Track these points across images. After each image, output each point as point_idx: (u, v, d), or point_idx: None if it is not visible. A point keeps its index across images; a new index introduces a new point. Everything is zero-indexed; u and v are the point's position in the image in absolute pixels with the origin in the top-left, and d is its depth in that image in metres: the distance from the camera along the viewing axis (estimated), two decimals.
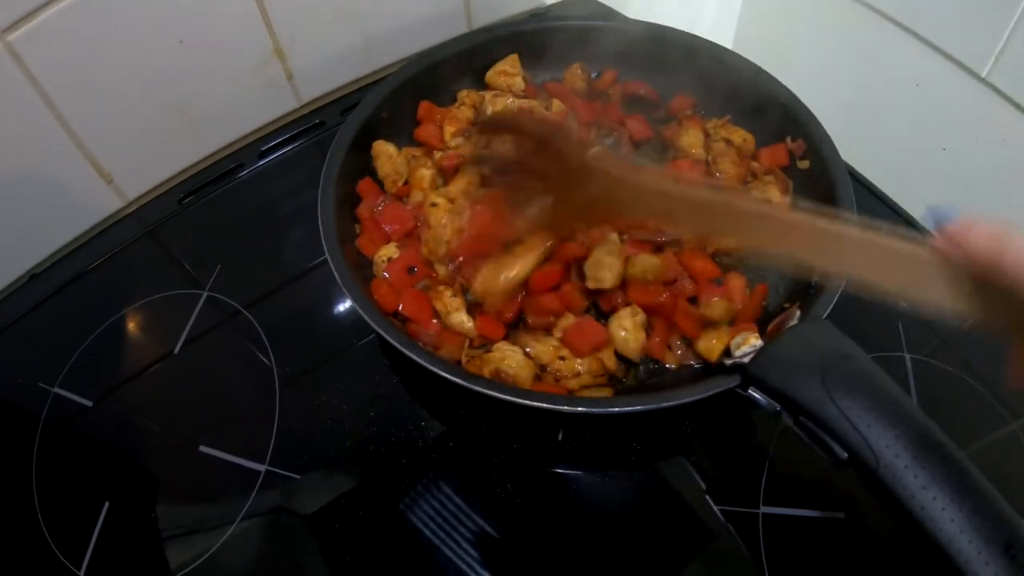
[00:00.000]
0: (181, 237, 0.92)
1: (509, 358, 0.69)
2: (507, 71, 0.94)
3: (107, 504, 0.70)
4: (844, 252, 0.46)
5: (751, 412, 0.74)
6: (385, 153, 0.85)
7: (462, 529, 0.67)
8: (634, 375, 0.74)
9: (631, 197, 0.56)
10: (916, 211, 0.90)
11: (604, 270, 0.72)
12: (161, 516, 0.69)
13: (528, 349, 0.71)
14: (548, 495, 0.69)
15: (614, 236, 0.75)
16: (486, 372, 0.69)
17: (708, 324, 0.72)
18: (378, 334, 0.67)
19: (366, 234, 0.80)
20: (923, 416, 0.54)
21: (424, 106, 0.91)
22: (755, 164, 0.87)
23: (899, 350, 0.78)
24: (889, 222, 0.89)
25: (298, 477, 0.70)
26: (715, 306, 0.72)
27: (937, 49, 0.98)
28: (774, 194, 0.82)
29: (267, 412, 0.74)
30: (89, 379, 0.79)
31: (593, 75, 0.99)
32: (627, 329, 0.72)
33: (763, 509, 0.67)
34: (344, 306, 0.83)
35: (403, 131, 0.90)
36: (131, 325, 0.83)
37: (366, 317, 0.67)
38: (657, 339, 0.73)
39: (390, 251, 0.77)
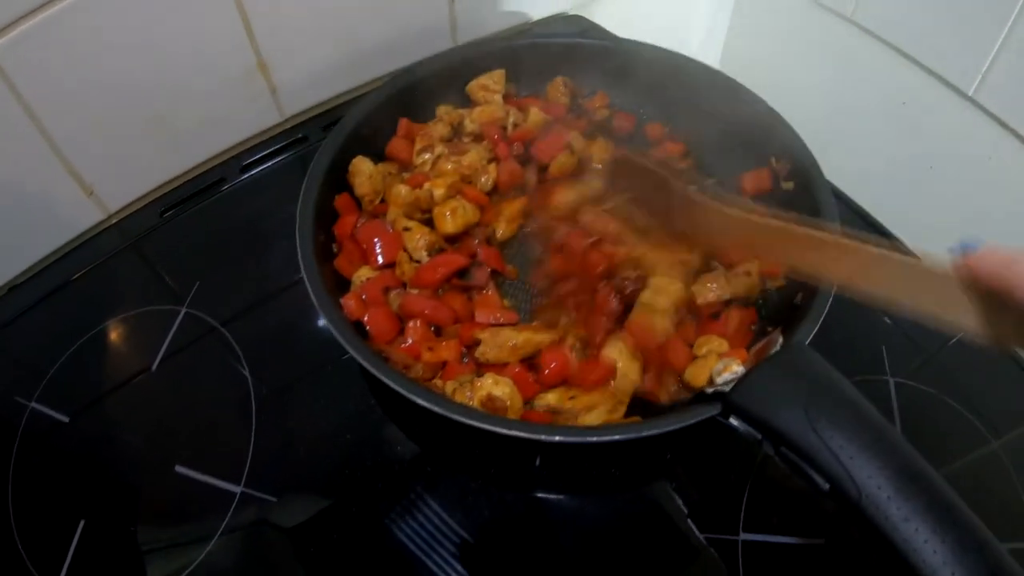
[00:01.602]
0: (162, 251, 0.91)
1: (501, 384, 0.68)
2: (489, 86, 0.94)
3: (83, 522, 0.69)
4: (885, 275, 0.53)
5: (732, 438, 0.73)
6: (363, 172, 0.84)
7: (440, 552, 0.66)
8: None
9: (719, 225, 0.67)
10: (901, 231, 0.89)
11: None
12: (137, 535, 0.68)
13: (539, 402, 0.70)
14: (527, 520, 0.68)
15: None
16: (476, 400, 0.67)
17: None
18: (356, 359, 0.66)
19: (344, 254, 0.79)
20: (906, 446, 0.53)
21: (403, 123, 0.90)
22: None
23: (882, 373, 0.78)
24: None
25: (273, 499, 0.69)
26: (709, 343, 0.71)
27: (924, 68, 0.99)
28: None
29: (243, 433, 0.73)
30: (66, 394, 0.78)
31: (587, 93, 0.98)
32: (620, 359, 0.71)
33: (743, 536, 0.67)
34: (322, 325, 0.81)
35: (384, 148, 0.89)
36: (110, 340, 0.82)
37: (342, 341, 0.66)
38: (650, 375, 0.71)
39: (368, 272, 0.76)
